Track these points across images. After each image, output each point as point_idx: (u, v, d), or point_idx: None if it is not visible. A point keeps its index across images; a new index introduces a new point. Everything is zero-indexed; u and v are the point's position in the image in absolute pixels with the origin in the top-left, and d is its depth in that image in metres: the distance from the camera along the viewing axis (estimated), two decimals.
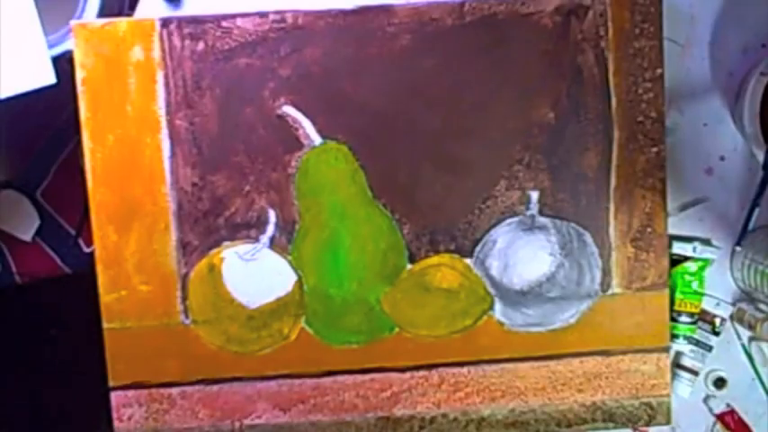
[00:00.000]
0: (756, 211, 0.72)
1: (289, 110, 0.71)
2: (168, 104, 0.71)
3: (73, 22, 0.70)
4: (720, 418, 0.80)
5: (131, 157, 0.71)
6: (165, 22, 0.70)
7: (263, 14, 0.70)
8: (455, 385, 0.75)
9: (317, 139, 0.72)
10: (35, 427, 1.07)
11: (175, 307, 0.73)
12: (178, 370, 0.73)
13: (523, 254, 0.74)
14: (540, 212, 0.73)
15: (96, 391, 0.75)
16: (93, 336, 0.73)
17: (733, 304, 0.80)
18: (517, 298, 0.74)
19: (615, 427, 0.76)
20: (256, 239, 0.73)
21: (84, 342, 0.75)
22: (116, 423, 0.74)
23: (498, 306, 0.74)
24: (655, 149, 0.73)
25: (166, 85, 0.71)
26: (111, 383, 0.73)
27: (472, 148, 0.73)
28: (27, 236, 0.88)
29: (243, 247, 0.73)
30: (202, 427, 0.74)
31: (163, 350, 0.73)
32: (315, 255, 0.73)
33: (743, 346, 0.80)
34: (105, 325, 0.73)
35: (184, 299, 0.73)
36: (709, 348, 0.79)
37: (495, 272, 0.74)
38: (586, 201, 0.73)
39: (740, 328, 0.80)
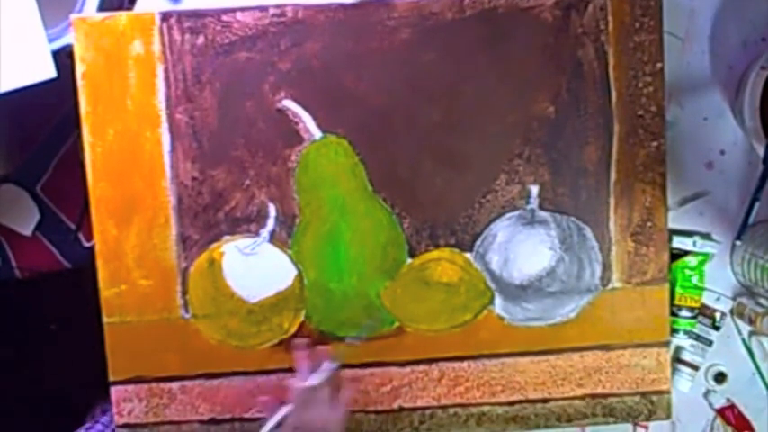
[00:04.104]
0: (756, 205, 0.72)
1: (289, 104, 0.71)
2: (168, 98, 0.71)
3: (73, 17, 0.70)
4: (721, 412, 0.80)
5: (131, 151, 0.71)
6: (165, 16, 0.70)
7: (263, 8, 0.70)
8: (455, 380, 0.75)
9: (317, 134, 0.72)
10: (35, 421, 1.07)
11: (175, 301, 0.73)
12: (178, 364, 0.74)
13: (523, 248, 0.74)
14: (541, 207, 0.74)
15: (96, 385, 0.75)
16: (94, 330, 0.73)
17: (733, 299, 0.80)
18: (517, 292, 0.74)
19: (615, 422, 0.76)
20: (256, 234, 0.73)
21: (85, 337, 0.75)
22: (116, 417, 0.74)
23: (498, 300, 0.74)
24: (655, 144, 0.73)
25: (166, 79, 0.71)
26: (111, 378, 0.73)
27: (472, 142, 0.73)
28: (27, 230, 0.88)
29: (243, 242, 0.73)
30: (202, 421, 0.74)
31: (163, 344, 0.73)
32: (315, 249, 0.73)
33: (743, 340, 0.80)
34: (105, 319, 0.73)
35: (184, 293, 0.73)
36: (710, 343, 0.79)
37: (495, 266, 0.74)
38: (587, 195, 0.73)
39: (740, 323, 0.80)
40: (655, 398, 0.76)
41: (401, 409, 0.75)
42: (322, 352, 0.70)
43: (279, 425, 0.64)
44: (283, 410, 0.65)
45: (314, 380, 0.66)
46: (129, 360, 0.73)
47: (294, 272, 0.73)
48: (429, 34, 0.71)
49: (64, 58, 0.70)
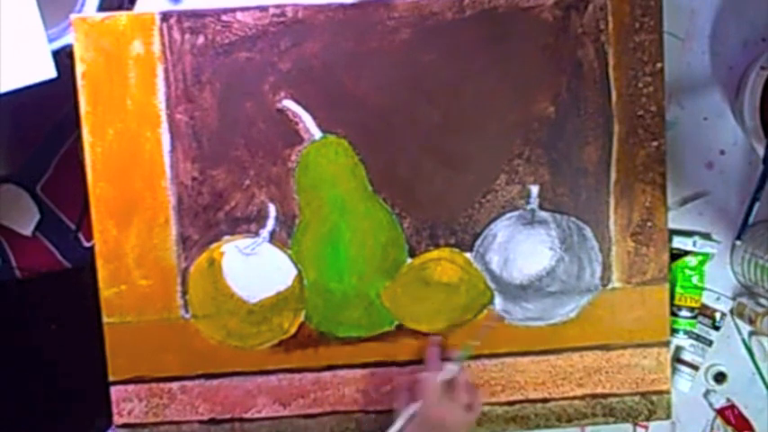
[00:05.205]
0: (756, 205, 0.71)
1: (289, 104, 0.71)
2: (168, 98, 0.71)
3: (73, 16, 0.70)
4: (721, 412, 0.80)
5: (131, 151, 0.71)
6: (165, 16, 0.70)
7: (262, 8, 0.70)
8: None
9: (317, 133, 0.72)
10: (34, 421, 1.07)
11: (175, 301, 0.73)
12: (178, 364, 0.74)
13: (524, 248, 0.74)
14: (541, 207, 0.74)
15: (96, 385, 0.75)
16: (94, 330, 0.73)
17: (733, 299, 0.80)
18: (517, 292, 0.74)
19: (615, 422, 0.76)
20: (256, 234, 0.73)
21: (85, 337, 0.75)
22: (116, 417, 0.74)
23: (498, 300, 0.74)
24: (655, 143, 0.73)
25: (166, 79, 0.71)
26: (111, 378, 0.73)
27: (472, 142, 0.73)
28: (27, 230, 0.88)
29: (243, 242, 0.73)
30: (202, 421, 0.74)
31: (163, 345, 0.73)
32: (315, 249, 0.73)
33: (743, 340, 0.80)
34: (105, 319, 0.73)
35: (184, 293, 0.73)
36: (710, 343, 0.79)
37: (495, 266, 0.74)
38: (587, 195, 0.73)
39: (740, 323, 0.80)
40: (655, 398, 0.76)
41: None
42: (452, 348, 0.72)
43: (410, 419, 0.65)
44: (414, 406, 0.66)
45: (444, 375, 0.67)
46: (129, 360, 0.73)
47: (294, 272, 0.73)
48: (429, 34, 0.71)
49: (64, 58, 0.70)
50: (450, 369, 0.68)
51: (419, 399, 0.66)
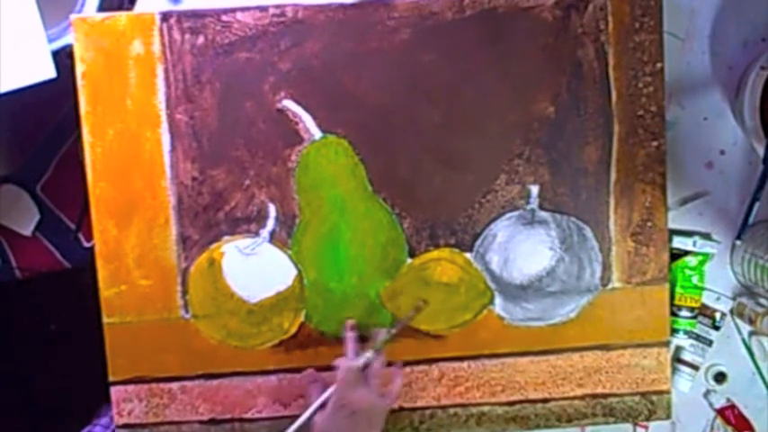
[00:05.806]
0: (756, 205, 0.71)
1: (289, 104, 0.71)
2: (168, 98, 0.71)
3: (73, 17, 0.70)
4: (721, 412, 0.80)
5: (131, 151, 0.71)
6: (165, 16, 0.70)
7: (262, 8, 0.70)
8: (455, 380, 0.75)
9: (317, 133, 0.72)
10: (34, 421, 1.07)
11: (175, 301, 0.73)
12: (178, 364, 0.74)
13: (523, 248, 0.74)
14: (541, 207, 0.74)
15: (96, 385, 0.75)
16: (94, 330, 0.73)
17: (733, 299, 0.80)
18: (517, 292, 0.74)
19: (615, 422, 0.76)
20: (257, 234, 0.73)
21: (85, 337, 0.75)
22: (116, 418, 0.74)
23: (498, 300, 0.74)
24: (655, 143, 0.73)
25: (166, 79, 0.71)
26: (111, 378, 0.73)
27: (472, 142, 0.73)
28: (27, 230, 0.88)
29: (243, 242, 0.73)
30: (202, 421, 0.74)
31: (163, 345, 0.73)
32: (315, 249, 0.73)
33: (743, 340, 0.80)
34: (105, 320, 0.73)
35: (184, 293, 0.73)
36: (710, 343, 0.79)
37: (495, 266, 0.74)
38: (587, 195, 0.73)
39: (740, 323, 0.80)
40: (655, 398, 0.76)
41: (401, 409, 0.75)
42: (375, 332, 0.71)
43: (323, 404, 0.65)
44: (329, 391, 0.65)
45: (360, 360, 0.66)
46: (129, 360, 0.73)
47: (294, 272, 0.73)
48: (429, 34, 0.71)
49: (64, 58, 0.70)
50: (367, 355, 0.67)
51: (333, 385, 0.65)
